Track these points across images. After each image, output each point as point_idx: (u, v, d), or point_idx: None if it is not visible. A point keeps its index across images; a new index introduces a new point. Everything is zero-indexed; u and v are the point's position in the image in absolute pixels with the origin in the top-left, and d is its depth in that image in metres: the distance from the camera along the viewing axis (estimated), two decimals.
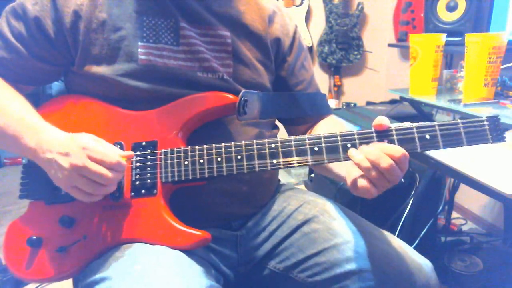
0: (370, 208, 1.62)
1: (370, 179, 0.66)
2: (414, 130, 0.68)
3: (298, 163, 0.71)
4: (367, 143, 0.68)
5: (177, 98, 0.79)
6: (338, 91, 2.95)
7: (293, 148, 0.72)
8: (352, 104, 2.66)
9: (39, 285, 1.68)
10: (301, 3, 2.76)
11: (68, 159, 0.68)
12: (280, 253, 0.86)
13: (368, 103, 2.55)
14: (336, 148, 0.70)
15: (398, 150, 0.65)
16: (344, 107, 2.68)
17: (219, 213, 0.85)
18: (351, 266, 0.77)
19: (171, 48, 0.81)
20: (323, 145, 0.70)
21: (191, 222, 0.74)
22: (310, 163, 0.71)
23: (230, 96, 0.79)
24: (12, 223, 0.79)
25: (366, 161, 0.65)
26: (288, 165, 0.72)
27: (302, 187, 2.35)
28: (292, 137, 0.72)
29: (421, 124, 0.68)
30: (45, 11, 0.77)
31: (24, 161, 0.85)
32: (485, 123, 0.67)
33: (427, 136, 0.67)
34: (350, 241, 0.80)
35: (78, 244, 0.75)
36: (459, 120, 0.67)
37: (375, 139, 0.68)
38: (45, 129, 0.74)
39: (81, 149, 0.68)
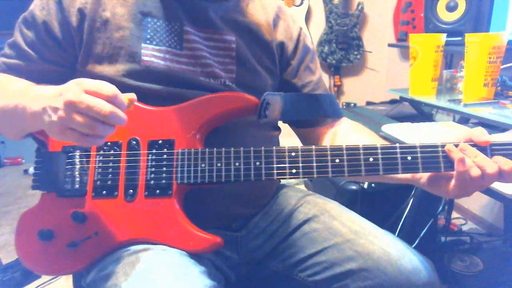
0: (370, 208, 1.63)
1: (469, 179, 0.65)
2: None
3: (318, 174, 0.69)
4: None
5: (181, 98, 0.78)
6: (338, 91, 2.95)
7: (314, 158, 0.70)
8: (352, 104, 2.65)
9: (40, 284, 1.68)
10: (301, 3, 2.76)
11: (62, 98, 0.60)
12: (280, 253, 0.86)
13: (368, 103, 2.55)
14: (358, 160, 0.68)
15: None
16: (344, 107, 2.68)
17: (220, 214, 0.85)
18: (351, 265, 0.77)
19: (174, 52, 0.80)
20: (345, 157, 0.69)
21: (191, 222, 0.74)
22: (330, 175, 0.69)
23: (252, 98, 0.78)
24: (24, 214, 0.78)
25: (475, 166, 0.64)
26: (308, 176, 0.70)
27: (302, 187, 2.34)
28: (313, 147, 0.71)
29: (446, 142, 0.67)
30: (52, 15, 0.78)
31: (24, 160, 0.85)
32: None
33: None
34: (350, 240, 0.80)
35: (89, 241, 0.74)
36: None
37: (398, 155, 0.68)
38: (39, 87, 0.73)
39: (75, 84, 0.61)
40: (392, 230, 1.59)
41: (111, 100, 0.60)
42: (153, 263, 0.67)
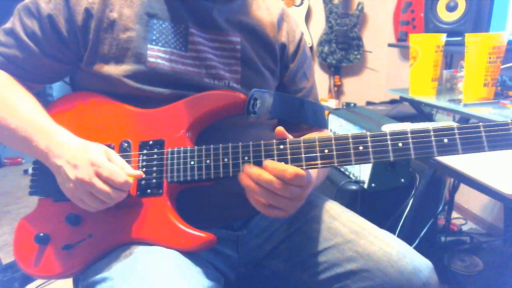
0: (370, 208, 1.63)
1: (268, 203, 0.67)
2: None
3: (307, 165, 0.69)
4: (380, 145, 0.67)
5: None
6: (338, 91, 2.95)
7: (302, 150, 0.69)
8: (352, 104, 2.66)
9: (40, 285, 1.68)
10: (301, 3, 2.76)
11: (75, 172, 0.68)
12: (280, 253, 0.86)
13: (368, 103, 2.55)
14: (348, 149, 0.68)
15: (289, 172, 0.65)
16: (344, 107, 2.68)
17: (221, 213, 0.85)
18: (351, 266, 0.77)
19: (179, 53, 0.80)
20: (334, 147, 0.68)
21: (192, 222, 0.74)
22: (319, 166, 0.69)
23: (239, 94, 0.78)
24: (22, 220, 0.79)
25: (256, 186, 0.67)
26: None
27: None
28: (301, 139, 0.70)
29: (438, 127, 0.65)
30: (58, 9, 0.77)
31: (24, 160, 0.86)
32: (510, 126, 0.62)
33: (445, 140, 0.64)
34: (350, 240, 0.80)
35: (83, 243, 0.75)
36: (480, 123, 0.64)
37: (389, 141, 0.66)
38: (56, 133, 0.74)
39: (90, 164, 0.68)
40: (392, 230, 1.59)
41: (119, 186, 0.69)
42: (150, 264, 0.67)
